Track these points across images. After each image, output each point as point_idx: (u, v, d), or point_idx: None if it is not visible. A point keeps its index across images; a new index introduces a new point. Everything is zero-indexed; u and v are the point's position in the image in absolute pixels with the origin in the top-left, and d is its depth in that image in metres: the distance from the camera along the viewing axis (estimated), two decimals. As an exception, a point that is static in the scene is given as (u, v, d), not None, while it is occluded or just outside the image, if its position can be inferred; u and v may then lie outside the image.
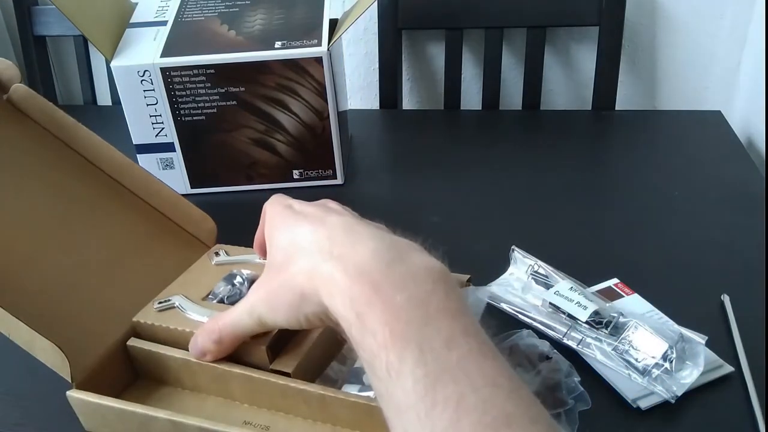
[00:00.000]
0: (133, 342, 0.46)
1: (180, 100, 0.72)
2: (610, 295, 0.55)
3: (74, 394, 0.43)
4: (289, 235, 0.38)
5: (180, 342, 0.45)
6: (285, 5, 0.76)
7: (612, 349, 0.48)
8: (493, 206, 0.72)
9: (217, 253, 0.54)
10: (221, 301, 0.48)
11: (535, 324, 0.52)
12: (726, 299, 0.54)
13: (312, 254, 0.35)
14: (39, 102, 0.54)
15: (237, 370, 0.43)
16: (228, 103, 0.72)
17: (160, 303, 0.48)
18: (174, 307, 0.47)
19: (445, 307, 0.32)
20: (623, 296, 0.55)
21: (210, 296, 0.49)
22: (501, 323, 0.53)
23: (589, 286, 0.56)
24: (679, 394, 0.45)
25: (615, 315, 0.50)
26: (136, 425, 0.42)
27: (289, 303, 0.36)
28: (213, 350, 0.42)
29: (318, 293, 0.34)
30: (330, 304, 0.33)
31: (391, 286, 0.32)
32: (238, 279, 0.50)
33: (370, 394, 0.41)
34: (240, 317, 0.39)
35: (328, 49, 0.69)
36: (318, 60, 0.69)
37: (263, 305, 0.38)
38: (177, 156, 0.76)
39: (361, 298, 0.32)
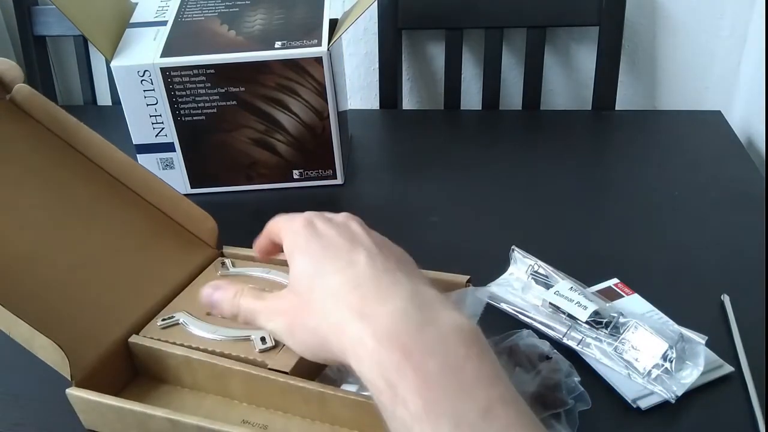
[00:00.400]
0: (134, 339, 0.47)
1: (180, 100, 0.72)
2: (610, 295, 0.55)
3: (74, 392, 0.43)
4: (314, 265, 0.37)
5: (184, 359, 0.45)
6: (285, 5, 0.76)
7: (612, 349, 0.48)
8: (493, 206, 0.72)
9: (223, 264, 0.54)
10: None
11: (535, 324, 0.52)
12: (726, 299, 0.54)
13: (340, 306, 0.34)
14: (42, 102, 0.54)
15: (237, 367, 0.43)
16: (228, 103, 0.72)
17: (164, 320, 0.48)
18: (178, 324, 0.48)
19: (481, 374, 0.30)
20: (623, 296, 0.55)
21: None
22: (501, 323, 0.53)
23: (589, 286, 0.56)
24: (679, 394, 0.45)
25: (615, 315, 0.50)
26: (134, 423, 0.42)
27: (310, 344, 0.35)
28: (226, 316, 0.41)
29: (344, 352, 0.33)
30: (358, 369, 0.32)
31: (422, 352, 0.30)
32: None
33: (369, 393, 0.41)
34: (260, 319, 0.39)
35: (328, 49, 0.69)
36: (318, 60, 0.69)
37: (285, 332, 0.37)
38: (177, 156, 0.76)
39: (391, 365, 0.30)
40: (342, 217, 0.40)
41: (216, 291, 0.41)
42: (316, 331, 0.35)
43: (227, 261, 0.55)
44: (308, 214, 0.40)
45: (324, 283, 0.35)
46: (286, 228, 0.40)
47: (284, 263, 0.53)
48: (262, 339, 0.44)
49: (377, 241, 0.38)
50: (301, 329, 0.36)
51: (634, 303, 0.54)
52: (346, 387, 0.42)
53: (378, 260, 0.36)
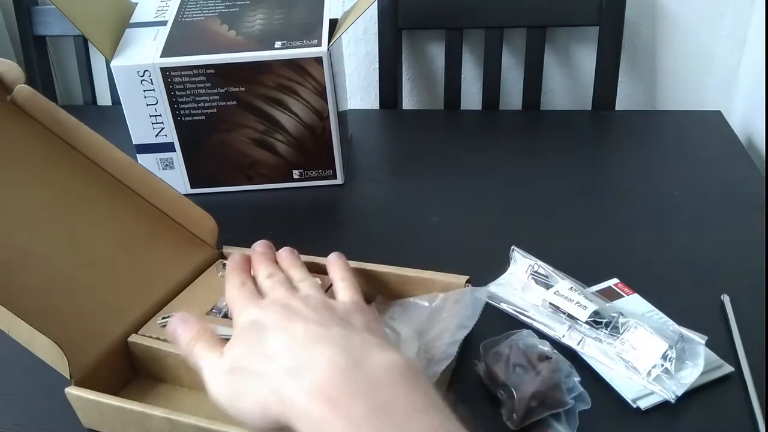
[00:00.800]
0: (134, 338, 0.47)
1: (180, 100, 0.72)
2: (610, 295, 0.55)
3: (72, 391, 0.43)
4: (251, 348, 0.36)
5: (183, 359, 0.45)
6: (285, 5, 0.76)
7: (612, 349, 0.48)
8: (493, 206, 0.72)
9: (224, 265, 0.54)
10: (225, 315, 0.49)
11: (535, 324, 0.52)
12: (726, 299, 0.54)
13: (277, 369, 0.34)
14: (42, 102, 0.54)
15: None
16: (228, 103, 0.72)
17: (163, 319, 0.48)
18: None
19: (413, 407, 0.30)
20: (623, 296, 0.55)
21: (213, 311, 0.49)
22: (501, 323, 0.53)
23: (589, 286, 0.56)
24: (679, 394, 0.45)
25: (615, 315, 0.50)
26: (133, 422, 0.42)
27: (252, 412, 0.34)
28: (181, 354, 0.41)
29: (285, 414, 0.33)
30: (296, 428, 0.32)
31: (347, 398, 0.31)
32: None
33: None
34: (204, 374, 0.38)
35: (328, 49, 0.69)
36: (318, 60, 0.69)
37: (226, 399, 0.36)
38: (177, 156, 0.76)
39: (320, 418, 0.31)
40: (282, 295, 0.40)
41: (180, 325, 0.40)
42: (256, 395, 0.34)
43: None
44: (251, 309, 0.39)
45: (263, 353, 0.35)
46: (233, 309, 0.41)
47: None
48: None
49: (320, 307, 0.38)
50: (241, 396, 0.35)
51: (634, 303, 0.54)
52: None
53: (313, 324, 0.36)
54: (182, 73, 0.70)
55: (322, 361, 0.33)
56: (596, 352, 0.49)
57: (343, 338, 0.35)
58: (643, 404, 0.45)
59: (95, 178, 0.55)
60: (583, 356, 0.49)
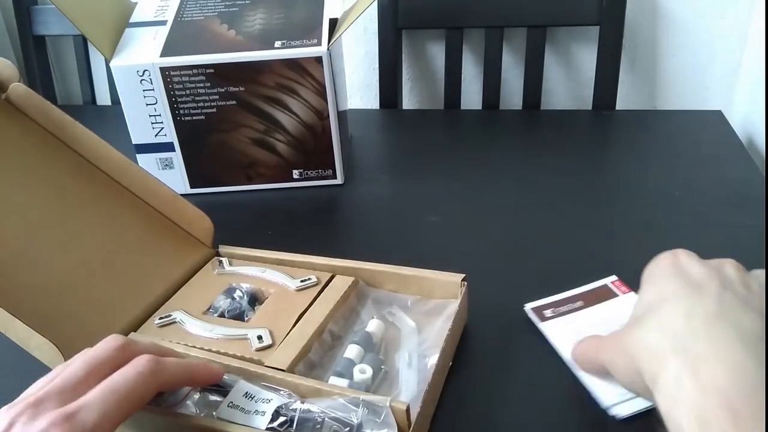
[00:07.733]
0: (131, 336, 0.47)
1: (179, 99, 0.72)
2: (604, 294, 0.54)
3: None
4: (654, 291, 0.38)
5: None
6: (285, 5, 0.76)
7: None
8: (492, 206, 0.72)
9: (219, 262, 0.54)
10: (221, 315, 0.49)
11: None
12: (726, 299, 0.54)
13: (664, 333, 0.33)
14: (37, 101, 0.54)
15: (234, 365, 0.43)
16: (228, 102, 0.72)
17: (160, 318, 0.48)
18: (175, 323, 0.48)
19: None
20: (618, 295, 0.54)
21: (210, 310, 0.49)
22: (505, 325, 0.52)
23: (586, 285, 0.56)
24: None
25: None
26: (131, 422, 0.42)
27: (622, 371, 0.37)
28: None
29: (655, 384, 0.32)
30: (666, 408, 0.31)
31: (752, 419, 0.28)
32: (238, 293, 0.50)
33: (361, 388, 0.41)
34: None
35: (328, 49, 0.69)
36: (318, 60, 0.69)
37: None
38: (176, 156, 0.76)
39: (714, 423, 0.29)
40: (718, 261, 0.41)
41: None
42: (628, 350, 0.35)
43: (224, 260, 0.55)
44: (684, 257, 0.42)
45: (653, 307, 0.36)
46: (654, 261, 0.42)
47: (280, 263, 0.54)
48: (259, 337, 0.44)
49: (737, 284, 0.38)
50: (614, 353, 0.37)
51: (629, 302, 0.54)
52: (333, 380, 0.42)
53: (726, 298, 0.35)
54: (182, 72, 0.70)
55: (729, 361, 0.31)
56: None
57: (754, 347, 0.32)
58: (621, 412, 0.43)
59: (91, 177, 0.55)
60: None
